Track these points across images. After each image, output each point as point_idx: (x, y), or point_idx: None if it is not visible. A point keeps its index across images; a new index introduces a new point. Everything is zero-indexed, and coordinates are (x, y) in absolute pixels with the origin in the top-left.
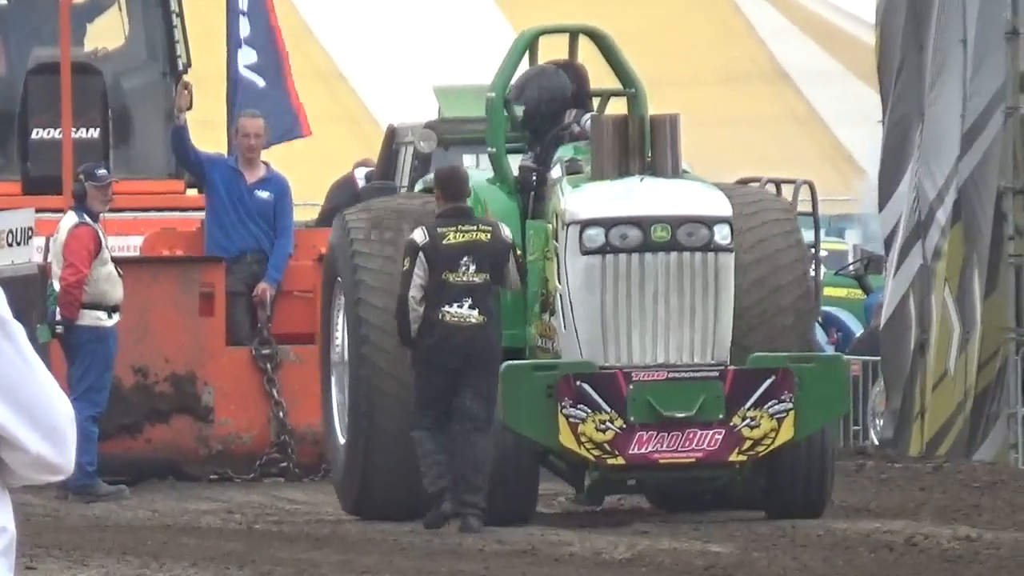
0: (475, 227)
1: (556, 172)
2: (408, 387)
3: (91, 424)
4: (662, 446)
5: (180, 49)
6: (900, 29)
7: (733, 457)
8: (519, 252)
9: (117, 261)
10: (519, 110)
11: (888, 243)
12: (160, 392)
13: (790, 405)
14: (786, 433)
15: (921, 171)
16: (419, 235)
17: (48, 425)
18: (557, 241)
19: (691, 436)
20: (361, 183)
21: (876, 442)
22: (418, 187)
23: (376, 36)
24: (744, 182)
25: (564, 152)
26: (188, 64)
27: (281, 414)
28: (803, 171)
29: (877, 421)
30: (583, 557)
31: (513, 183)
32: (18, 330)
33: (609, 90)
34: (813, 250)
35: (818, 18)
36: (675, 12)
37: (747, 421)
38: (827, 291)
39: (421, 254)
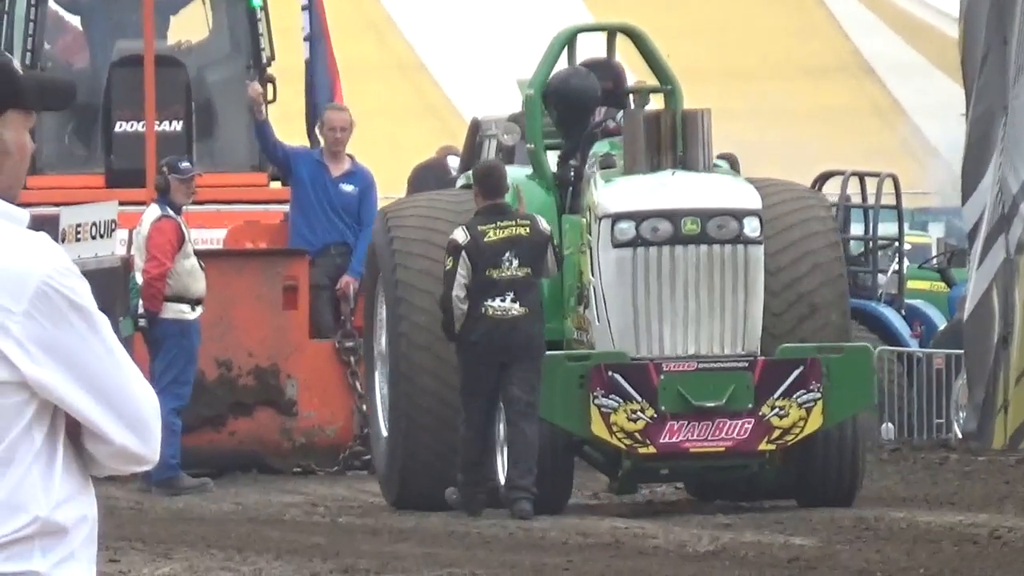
0: (513, 222)
1: (591, 167)
2: (447, 383)
3: (174, 417)
4: (693, 435)
5: (263, 42)
6: (984, 22)
7: (762, 446)
8: (556, 242)
9: (200, 254)
10: (553, 109)
11: (971, 236)
12: (243, 385)
13: (818, 395)
14: (815, 422)
15: (1004, 164)
16: (460, 235)
17: (132, 416)
18: (590, 235)
19: (721, 425)
20: (454, 172)
21: (959, 435)
22: (460, 183)
23: (459, 28)
24: (828, 175)
25: (599, 148)
26: (272, 57)
27: (364, 407)
28: (887, 164)
29: (960, 414)
30: (667, 550)
31: (551, 178)
32: (102, 321)
33: (645, 87)
34: (897, 243)
35: (901, 11)
36: (758, 5)
37: (776, 410)
38: (910, 284)
39: (464, 253)
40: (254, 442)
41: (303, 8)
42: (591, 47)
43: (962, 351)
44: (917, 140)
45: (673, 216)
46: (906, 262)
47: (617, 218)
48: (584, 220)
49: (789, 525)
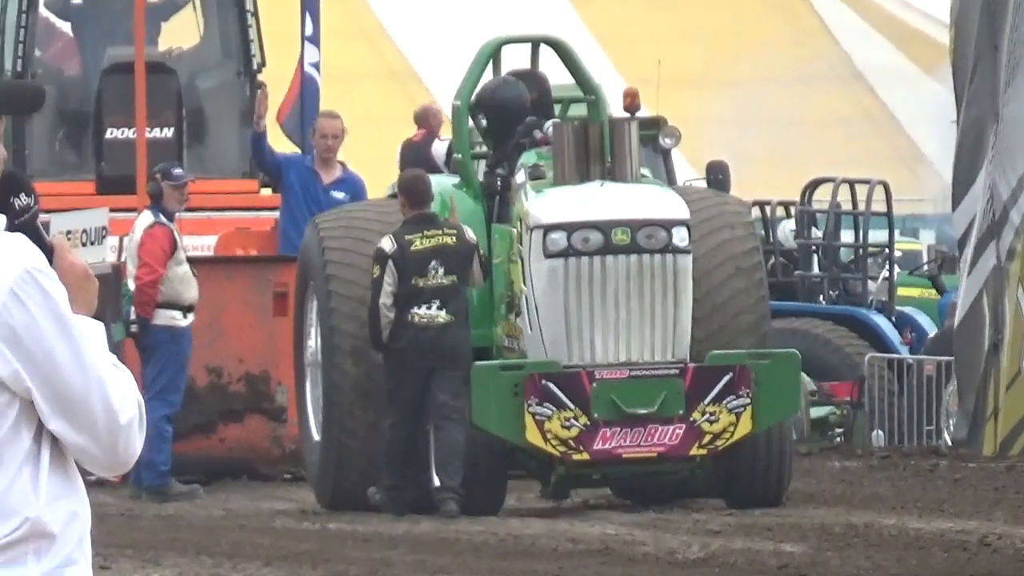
0: (440, 231)
1: (520, 178)
2: (379, 390)
3: (166, 424)
4: (625, 441)
5: (254, 48)
6: (975, 29)
7: (694, 451)
8: (482, 252)
9: (191, 261)
10: (482, 119)
11: (962, 243)
12: (234, 392)
13: (748, 400)
14: (744, 427)
15: (995, 171)
16: (387, 243)
17: (88, 424)
18: (522, 245)
19: (653, 431)
20: (440, 158)
21: (949, 442)
22: (387, 192)
23: (450, 35)
24: (818, 182)
25: (527, 158)
26: (263, 63)
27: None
28: (877, 171)
29: (950, 421)
30: (657, 556)
31: (479, 188)
32: (77, 327)
33: (570, 97)
34: (887, 250)
35: (893, 18)
36: (750, 12)
37: (707, 416)
38: (901, 291)
39: (390, 262)
40: (244, 449)
41: (308, 11)
42: (516, 58)
43: (952, 358)
44: (907, 147)
45: (604, 227)
46: (896, 269)
47: (549, 229)
48: (514, 230)
49: (779, 532)
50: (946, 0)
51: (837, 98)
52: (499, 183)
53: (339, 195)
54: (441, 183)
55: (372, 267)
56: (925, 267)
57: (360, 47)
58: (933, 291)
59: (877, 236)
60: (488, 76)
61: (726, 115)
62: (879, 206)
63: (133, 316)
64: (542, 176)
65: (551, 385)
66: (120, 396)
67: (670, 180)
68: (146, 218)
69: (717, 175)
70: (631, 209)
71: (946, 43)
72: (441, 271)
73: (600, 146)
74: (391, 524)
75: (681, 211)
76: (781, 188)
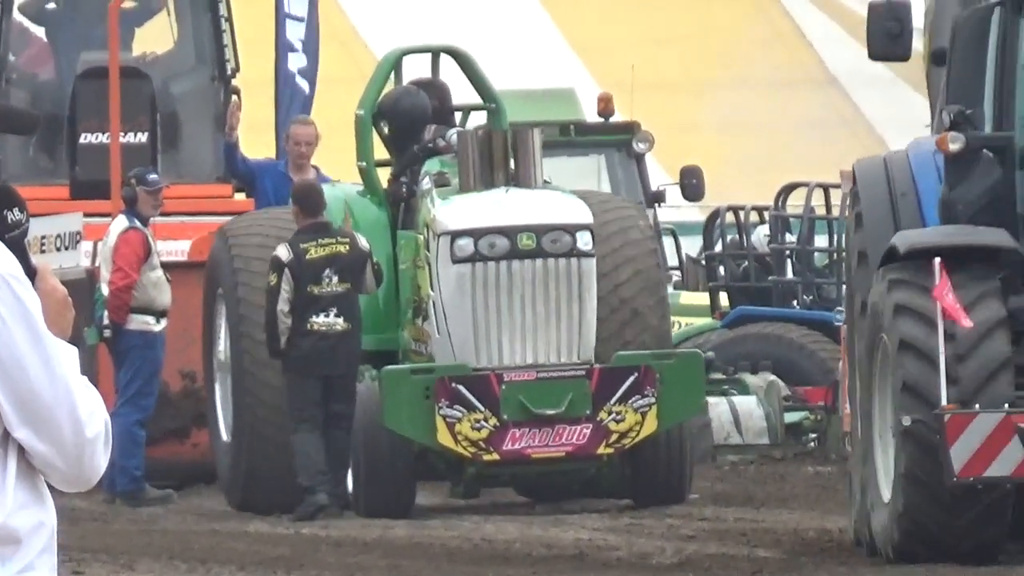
0: (334, 240)
1: (425, 184)
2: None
3: (138, 429)
4: (534, 442)
5: (229, 53)
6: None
7: (601, 450)
8: (376, 261)
9: (165, 266)
10: (384, 127)
11: None
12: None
13: (653, 400)
14: (650, 426)
15: None
16: (283, 252)
17: (55, 436)
18: (428, 251)
19: (561, 431)
20: None
21: None
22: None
23: (424, 40)
24: (792, 187)
25: (431, 166)
26: (237, 68)
27: None
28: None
29: None
30: (630, 562)
31: (383, 195)
32: (48, 337)
33: (470, 105)
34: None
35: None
36: (724, 16)
37: (613, 416)
38: None
39: (287, 270)
40: None
41: (297, 19)
42: (417, 68)
43: None
44: (881, 151)
45: (509, 232)
46: None
47: (456, 235)
48: (420, 236)
49: (753, 537)
50: (920, 4)
51: (811, 102)
52: (404, 190)
53: None
54: (345, 190)
55: (268, 275)
56: None
57: (333, 52)
58: None
59: None
60: (391, 86)
61: (700, 120)
62: None
63: (106, 321)
64: (447, 183)
65: (461, 388)
66: (88, 411)
67: (643, 184)
68: (120, 223)
69: (691, 180)
70: (536, 214)
71: (920, 48)
72: (335, 279)
73: (504, 153)
74: (365, 529)
75: (584, 216)
76: (755, 192)
